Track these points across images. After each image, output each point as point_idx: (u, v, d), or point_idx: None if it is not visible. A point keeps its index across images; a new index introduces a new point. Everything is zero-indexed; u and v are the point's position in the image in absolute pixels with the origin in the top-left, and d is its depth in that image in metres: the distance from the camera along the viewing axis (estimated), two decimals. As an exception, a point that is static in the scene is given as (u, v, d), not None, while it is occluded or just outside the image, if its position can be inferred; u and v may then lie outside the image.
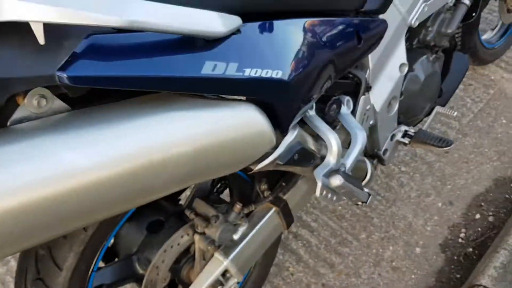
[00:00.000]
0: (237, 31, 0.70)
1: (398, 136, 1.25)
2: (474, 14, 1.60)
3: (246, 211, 1.00)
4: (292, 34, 0.79)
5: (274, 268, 1.36)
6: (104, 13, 0.54)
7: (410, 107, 1.24)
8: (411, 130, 1.25)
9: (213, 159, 0.71)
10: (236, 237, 1.00)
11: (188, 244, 0.98)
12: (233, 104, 0.72)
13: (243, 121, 0.72)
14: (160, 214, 1.01)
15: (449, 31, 1.26)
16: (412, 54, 1.22)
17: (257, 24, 0.75)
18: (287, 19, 0.80)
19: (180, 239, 0.96)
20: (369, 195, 1.01)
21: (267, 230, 1.04)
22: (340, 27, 0.90)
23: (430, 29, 1.25)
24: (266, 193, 1.03)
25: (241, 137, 0.72)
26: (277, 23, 0.78)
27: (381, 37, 1.04)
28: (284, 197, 1.04)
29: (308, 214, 1.53)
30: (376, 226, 1.50)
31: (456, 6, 1.28)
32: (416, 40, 1.24)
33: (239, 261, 0.99)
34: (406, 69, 1.15)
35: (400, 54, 1.14)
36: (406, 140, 1.24)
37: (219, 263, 0.97)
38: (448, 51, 1.40)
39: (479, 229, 1.49)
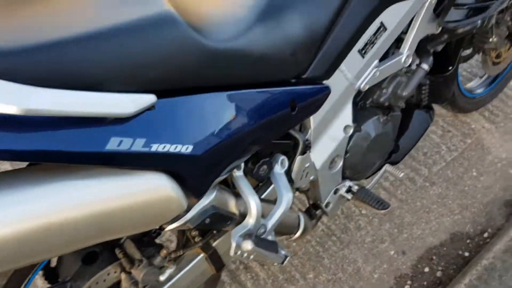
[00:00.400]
0: (152, 107, 0.76)
1: (342, 191, 1.29)
2: (450, 68, 1.62)
3: (173, 255, 1.06)
4: (207, 108, 0.84)
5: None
6: (3, 102, 0.61)
7: (357, 164, 1.28)
8: (355, 187, 1.29)
9: (118, 222, 0.78)
10: (162, 278, 1.07)
11: (116, 280, 1.06)
12: (141, 172, 0.78)
13: (148, 188, 0.78)
14: (97, 246, 1.08)
15: (405, 94, 1.29)
16: (363, 114, 1.26)
17: (173, 100, 0.81)
18: (208, 93, 0.86)
19: (108, 275, 1.04)
20: (286, 257, 1.06)
21: (194, 274, 1.10)
22: (269, 97, 0.95)
23: (384, 91, 1.27)
24: (197, 239, 1.09)
25: (146, 203, 0.78)
26: (194, 98, 0.83)
27: (322, 103, 1.08)
28: (213, 244, 1.10)
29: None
30: (326, 267, 1.55)
31: (414, 69, 1.31)
32: (370, 100, 1.27)
33: None
34: (351, 130, 1.19)
35: (345, 116, 1.17)
36: (349, 196, 1.28)
37: (142, 303, 1.04)
38: (409, 108, 1.43)
39: (425, 283, 1.52)
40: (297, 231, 1.20)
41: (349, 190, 1.29)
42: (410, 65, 1.30)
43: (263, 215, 1.03)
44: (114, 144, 0.72)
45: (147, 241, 1.11)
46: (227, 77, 0.88)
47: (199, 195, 0.87)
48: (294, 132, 1.10)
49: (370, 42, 1.12)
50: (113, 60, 0.72)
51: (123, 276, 1.03)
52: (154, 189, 0.79)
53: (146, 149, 0.75)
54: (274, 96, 0.96)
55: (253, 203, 0.97)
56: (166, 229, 0.89)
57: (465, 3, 1.24)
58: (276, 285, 1.51)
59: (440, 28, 1.27)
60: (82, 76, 0.69)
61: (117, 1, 0.78)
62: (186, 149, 0.80)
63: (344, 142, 1.20)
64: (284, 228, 1.15)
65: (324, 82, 1.08)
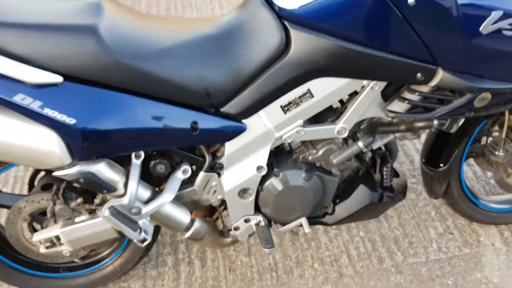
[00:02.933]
0: (58, 84, 1.10)
1: (252, 222, 1.44)
2: (442, 165, 1.61)
3: (87, 207, 1.38)
4: (105, 101, 1.15)
5: None
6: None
7: (271, 205, 1.42)
8: (262, 223, 1.42)
9: (9, 152, 1.13)
10: (76, 220, 1.39)
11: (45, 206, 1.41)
12: (38, 125, 1.12)
13: (39, 137, 1.12)
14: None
15: (334, 162, 1.38)
16: (287, 163, 1.40)
17: (79, 85, 1.13)
18: (113, 91, 1.15)
19: (41, 199, 1.39)
20: (145, 240, 1.28)
21: (97, 228, 1.39)
22: (170, 112, 1.20)
23: (315, 151, 1.39)
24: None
25: (33, 146, 1.12)
26: (98, 91, 1.14)
27: (232, 137, 1.28)
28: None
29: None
30: (250, 293, 1.69)
31: (350, 143, 1.39)
32: (302, 155, 1.39)
33: (69, 235, 1.38)
34: (263, 171, 1.35)
35: (261, 157, 1.34)
36: (254, 229, 1.43)
37: (54, 228, 1.39)
38: (357, 180, 1.48)
39: None
40: (186, 232, 1.40)
41: (257, 224, 1.44)
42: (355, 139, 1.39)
43: (146, 201, 1.30)
44: (19, 98, 1.08)
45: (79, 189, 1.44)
46: (130, 84, 1.17)
47: (80, 159, 1.17)
48: (205, 150, 1.32)
49: (294, 103, 1.27)
50: (40, 49, 1.09)
51: (49, 204, 1.39)
52: (43, 139, 1.13)
53: (39, 110, 1.09)
54: (175, 114, 1.22)
55: (131, 186, 1.24)
56: (53, 173, 1.22)
57: (409, 98, 1.28)
58: (203, 286, 1.71)
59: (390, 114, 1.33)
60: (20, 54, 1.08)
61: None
62: (70, 120, 1.12)
63: (256, 179, 1.36)
64: (171, 223, 1.37)
65: (243, 121, 1.29)
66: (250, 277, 1.74)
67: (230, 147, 1.32)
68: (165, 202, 1.29)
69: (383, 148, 1.50)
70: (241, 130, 1.29)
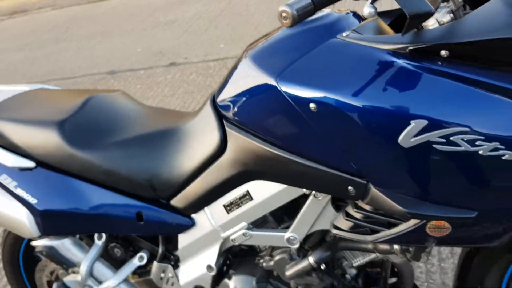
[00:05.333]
0: (31, 168, 1.31)
1: None
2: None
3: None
4: (62, 185, 1.30)
5: None
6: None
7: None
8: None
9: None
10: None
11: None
12: (14, 200, 1.34)
13: (11, 210, 1.33)
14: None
15: (286, 274, 1.21)
16: (241, 265, 1.29)
17: (47, 171, 1.31)
18: (72, 178, 1.30)
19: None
20: None
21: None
22: (117, 201, 1.28)
23: (268, 257, 1.24)
24: None
25: (9, 218, 1.34)
26: (60, 176, 1.30)
27: (180, 231, 1.27)
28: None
29: None
30: None
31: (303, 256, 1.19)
32: (260, 260, 1.26)
33: None
34: (213, 272, 1.28)
35: (209, 257, 1.29)
36: None
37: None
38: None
39: None
40: None
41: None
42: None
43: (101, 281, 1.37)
44: (2, 178, 1.33)
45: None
46: (85, 173, 1.29)
47: (43, 234, 1.33)
48: (160, 241, 1.34)
49: (235, 204, 1.20)
50: (21, 139, 1.33)
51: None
52: (17, 212, 1.34)
53: (14, 189, 1.31)
54: (122, 202, 1.29)
55: (83, 267, 1.34)
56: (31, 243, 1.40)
57: (352, 215, 1.04)
58: None
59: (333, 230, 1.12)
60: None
61: None
62: (33, 200, 1.30)
63: (207, 277, 1.30)
64: None
65: (192, 216, 1.27)
66: None
67: (182, 240, 1.32)
68: (111, 285, 1.34)
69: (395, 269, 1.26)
70: (189, 224, 1.28)
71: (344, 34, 0.98)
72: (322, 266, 1.21)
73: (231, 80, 1.15)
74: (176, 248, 1.34)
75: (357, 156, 0.96)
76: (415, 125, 0.87)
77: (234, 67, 1.16)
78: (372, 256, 1.20)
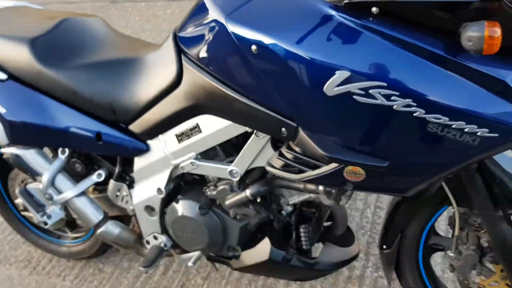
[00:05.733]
0: (2, 80, 1.39)
1: (158, 241, 1.47)
2: (385, 247, 1.36)
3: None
4: (31, 99, 1.38)
5: None
6: None
7: (173, 231, 1.44)
8: (168, 244, 1.46)
9: None
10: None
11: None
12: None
13: None
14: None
15: (226, 203, 1.31)
16: (190, 192, 1.40)
17: (18, 85, 1.39)
18: (40, 94, 1.38)
19: None
20: (45, 223, 1.46)
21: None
22: (80, 119, 1.37)
23: (213, 188, 1.35)
24: None
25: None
26: (30, 92, 1.38)
27: (135, 154, 1.37)
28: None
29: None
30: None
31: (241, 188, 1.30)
32: (206, 188, 1.36)
33: None
34: (162, 194, 1.39)
35: (160, 181, 1.39)
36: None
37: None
38: (263, 228, 1.37)
39: None
40: (98, 229, 1.52)
41: (164, 244, 1.47)
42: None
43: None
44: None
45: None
46: (51, 90, 1.37)
47: (11, 142, 1.43)
48: (118, 161, 1.44)
49: (186, 134, 1.29)
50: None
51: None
52: (-11, 119, 1.43)
53: None
54: (84, 122, 1.38)
55: (45, 176, 1.45)
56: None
57: (285, 155, 1.13)
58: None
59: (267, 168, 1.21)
60: None
61: None
62: (2, 110, 1.39)
63: (157, 199, 1.41)
64: (82, 216, 1.51)
65: (147, 141, 1.36)
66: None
67: (137, 163, 1.42)
68: (69, 196, 1.46)
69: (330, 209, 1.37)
70: (144, 149, 1.37)
71: None
72: (259, 200, 1.31)
73: (190, 16, 1.20)
74: (132, 170, 1.45)
75: (289, 100, 1.03)
76: (339, 75, 0.93)
77: (196, 4, 1.21)
78: (306, 196, 1.31)
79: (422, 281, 1.40)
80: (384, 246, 1.36)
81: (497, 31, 0.80)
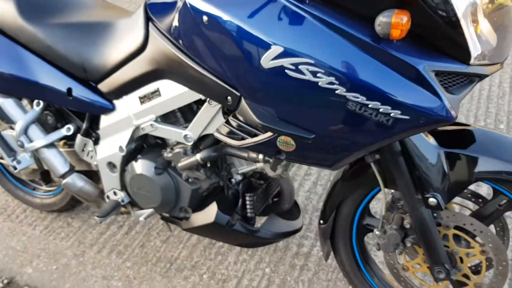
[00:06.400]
0: None
1: (117, 196, 1.58)
2: (322, 221, 1.46)
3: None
4: (9, 52, 1.48)
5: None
6: None
7: (130, 188, 1.54)
8: (125, 200, 1.57)
9: None
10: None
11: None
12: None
13: None
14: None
15: (178, 166, 1.41)
16: (149, 152, 1.50)
17: (3, 38, 1.50)
18: (21, 48, 1.48)
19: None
20: (14, 167, 1.56)
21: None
22: (51, 74, 1.48)
23: (169, 150, 1.44)
24: None
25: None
26: (11, 44, 1.49)
27: (103, 112, 1.48)
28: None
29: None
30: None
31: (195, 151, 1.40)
32: (166, 150, 1.46)
33: None
34: (123, 152, 1.49)
35: (123, 138, 1.49)
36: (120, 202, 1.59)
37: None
38: (213, 193, 1.48)
39: None
40: (62, 179, 1.63)
41: (123, 201, 1.58)
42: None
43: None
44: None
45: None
46: (31, 44, 1.48)
47: None
48: (86, 118, 1.54)
49: (147, 97, 1.39)
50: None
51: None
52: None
53: None
54: (57, 77, 1.48)
55: (18, 125, 1.55)
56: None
57: (230, 123, 1.23)
58: (113, 247, 1.91)
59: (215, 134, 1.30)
60: None
61: None
62: None
63: (118, 157, 1.51)
64: (49, 166, 1.61)
65: (114, 101, 1.46)
66: (149, 259, 1.87)
67: (103, 121, 1.52)
68: (38, 144, 1.56)
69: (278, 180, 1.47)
70: (110, 108, 1.47)
71: None
72: (209, 165, 1.41)
73: None
74: (98, 127, 1.55)
75: (234, 70, 1.12)
76: (274, 49, 1.02)
77: None
78: (254, 166, 1.40)
79: (355, 258, 1.49)
80: (321, 221, 1.45)
81: (404, 19, 0.89)
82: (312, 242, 1.84)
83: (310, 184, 2.13)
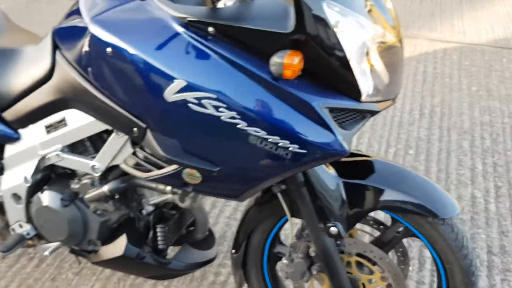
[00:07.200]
0: None
1: (23, 229, 1.50)
2: (233, 251, 1.46)
3: None
4: None
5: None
6: None
7: (36, 221, 1.48)
8: (31, 233, 1.49)
9: None
10: None
11: None
12: None
13: None
14: None
15: (85, 197, 1.38)
16: (57, 182, 1.45)
17: None
18: None
19: None
20: None
21: None
22: None
23: (77, 180, 1.40)
24: None
25: None
26: None
27: (6, 141, 1.41)
28: None
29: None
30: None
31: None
32: (71, 182, 1.42)
33: None
34: (29, 183, 1.42)
35: (27, 169, 1.43)
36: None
37: None
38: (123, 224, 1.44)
39: None
40: None
41: (28, 234, 1.50)
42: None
43: None
44: None
45: None
46: None
47: None
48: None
49: (54, 127, 1.35)
50: None
51: None
52: None
53: None
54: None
55: None
56: None
57: (137, 154, 1.23)
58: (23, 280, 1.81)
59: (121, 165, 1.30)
60: None
61: None
62: None
63: (23, 188, 1.45)
64: None
65: (19, 130, 1.41)
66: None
67: (8, 150, 1.45)
68: None
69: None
70: (15, 137, 1.41)
71: None
72: (117, 196, 1.38)
73: (67, 15, 1.28)
74: (2, 156, 1.48)
75: (138, 102, 1.12)
76: (177, 83, 1.04)
77: (75, 4, 1.29)
78: (164, 197, 1.39)
79: (266, 287, 1.51)
80: (233, 250, 1.46)
81: (295, 60, 0.93)
82: (229, 271, 1.83)
83: (231, 210, 2.14)
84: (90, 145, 1.39)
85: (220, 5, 1.10)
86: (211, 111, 1.04)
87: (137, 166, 1.25)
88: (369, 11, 1.04)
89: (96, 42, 1.13)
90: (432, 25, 3.98)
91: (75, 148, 1.39)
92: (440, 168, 2.37)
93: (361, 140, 2.59)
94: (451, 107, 2.90)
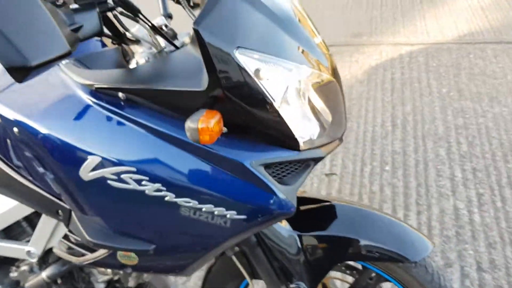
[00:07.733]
0: None
1: None
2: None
3: None
4: None
5: None
6: None
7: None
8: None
9: None
10: None
11: None
12: None
13: None
14: None
15: (25, 286, 1.24)
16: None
17: None
18: None
19: None
20: None
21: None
22: None
23: (15, 268, 1.27)
24: None
25: None
26: None
27: None
28: None
29: None
30: None
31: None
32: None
33: None
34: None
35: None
36: None
37: None
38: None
39: None
40: None
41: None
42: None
43: None
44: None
45: None
46: None
47: None
48: None
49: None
50: None
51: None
52: None
53: None
54: None
55: None
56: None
57: (69, 239, 1.10)
58: None
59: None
60: None
61: None
62: None
63: None
64: None
65: None
66: None
67: None
68: None
69: None
70: None
71: (63, 62, 1.01)
72: (59, 281, 1.25)
73: None
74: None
75: (55, 183, 0.99)
76: (91, 160, 0.91)
77: None
78: (112, 276, 1.26)
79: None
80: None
81: (211, 122, 0.80)
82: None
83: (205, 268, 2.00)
84: (27, 225, 1.26)
85: (132, 64, 0.99)
86: (133, 186, 0.91)
87: (70, 250, 1.12)
88: (295, 52, 0.93)
89: (3, 122, 1.00)
90: (395, 29, 3.92)
91: (11, 230, 1.26)
92: (420, 182, 2.26)
93: (334, 162, 2.48)
94: (423, 113, 2.81)
